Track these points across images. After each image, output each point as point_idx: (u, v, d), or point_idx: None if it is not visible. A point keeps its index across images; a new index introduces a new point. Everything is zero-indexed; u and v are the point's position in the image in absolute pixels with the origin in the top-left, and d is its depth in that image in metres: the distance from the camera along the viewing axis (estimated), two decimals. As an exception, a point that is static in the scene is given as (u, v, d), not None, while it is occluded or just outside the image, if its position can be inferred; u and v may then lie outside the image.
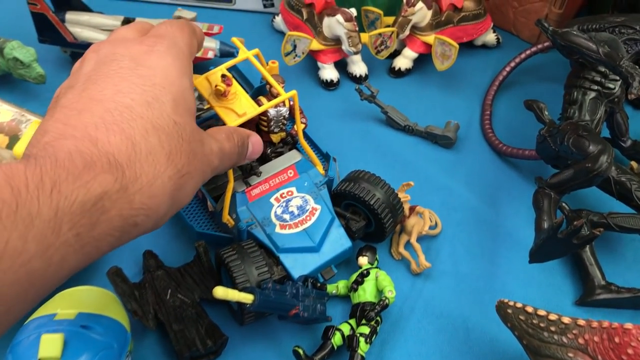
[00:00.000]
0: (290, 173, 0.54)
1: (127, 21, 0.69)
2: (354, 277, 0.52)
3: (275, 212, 0.51)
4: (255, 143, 0.45)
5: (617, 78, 0.57)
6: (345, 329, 0.49)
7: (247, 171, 0.52)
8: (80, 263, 0.31)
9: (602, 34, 0.59)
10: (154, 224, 0.35)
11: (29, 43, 0.65)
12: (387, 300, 0.48)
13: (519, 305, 0.45)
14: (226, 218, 0.51)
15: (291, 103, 0.55)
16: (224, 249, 0.48)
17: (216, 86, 0.46)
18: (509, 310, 0.45)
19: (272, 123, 0.53)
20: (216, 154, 0.40)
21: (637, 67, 0.50)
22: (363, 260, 0.52)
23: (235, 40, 0.53)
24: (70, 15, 0.68)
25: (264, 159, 0.55)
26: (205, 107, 0.56)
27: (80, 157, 0.31)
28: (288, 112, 0.53)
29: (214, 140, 0.40)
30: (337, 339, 0.48)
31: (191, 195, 0.38)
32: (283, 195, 0.52)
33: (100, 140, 0.32)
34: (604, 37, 0.58)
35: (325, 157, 0.58)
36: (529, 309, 0.45)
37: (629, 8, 0.70)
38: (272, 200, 0.52)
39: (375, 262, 0.53)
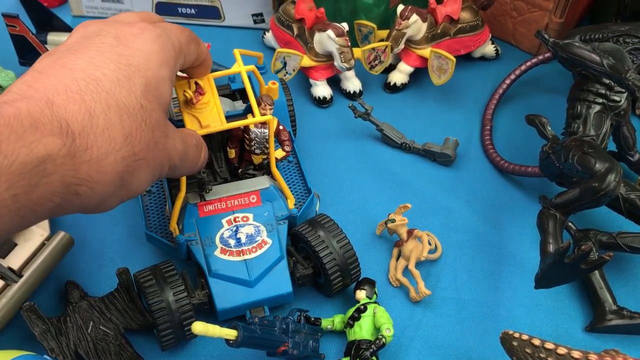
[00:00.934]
0: (253, 199, 0.51)
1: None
2: (350, 312, 0.49)
3: (222, 234, 0.49)
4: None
5: (623, 89, 0.54)
6: (339, 368, 0.46)
7: (199, 185, 0.51)
8: (16, 225, 0.31)
9: (606, 44, 0.57)
10: (99, 200, 0.34)
11: (9, 66, 0.65)
12: (384, 340, 0.45)
13: (525, 337, 0.43)
14: (173, 227, 0.50)
15: (281, 127, 0.53)
16: (140, 271, 0.47)
17: (184, 91, 0.46)
18: (515, 343, 0.43)
19: (253, 143, 0.51)
20: (179, 153, 0.40)
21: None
22: (361, 295, 0.49)
23: (236, 52, 0.52)
24: (52, 37, 0.67)
25: (238, 177, 0.53)
26: (174, 111, 0.54)
27: (29, 117, 0.30)
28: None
29: (181, 140, 0.40)
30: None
31: (145, 184, 0.37)
32: (237, 219, 0.50)
33: (57, 104, 0.31)
34: (608, 48, 0.56)
35: (308, 191, 0.55)
36: (536, 342, 0.43)
37: (632, 16, 0.69)
38: (223, 221, 0.50)
39: (374, 297, 0.50)
